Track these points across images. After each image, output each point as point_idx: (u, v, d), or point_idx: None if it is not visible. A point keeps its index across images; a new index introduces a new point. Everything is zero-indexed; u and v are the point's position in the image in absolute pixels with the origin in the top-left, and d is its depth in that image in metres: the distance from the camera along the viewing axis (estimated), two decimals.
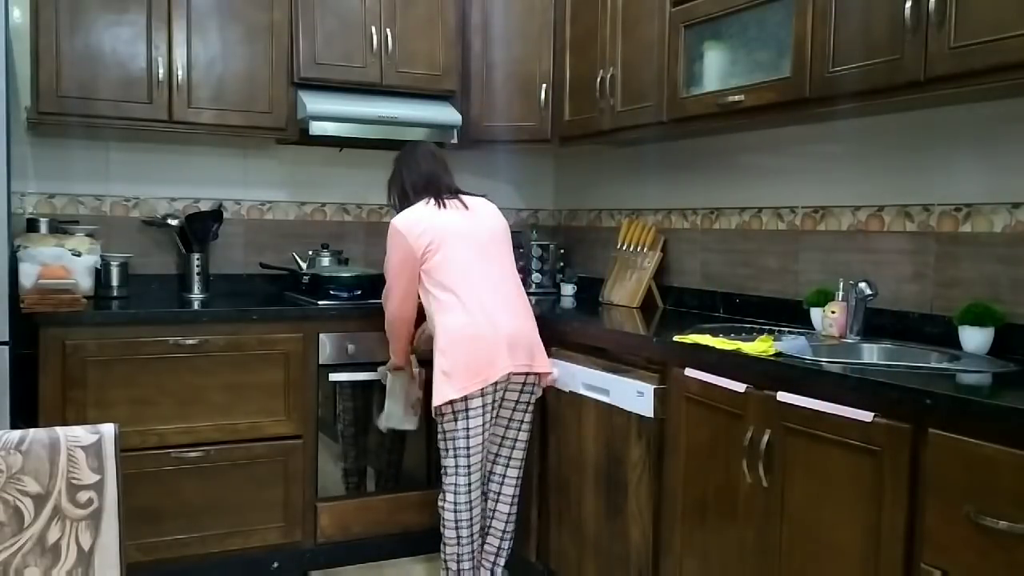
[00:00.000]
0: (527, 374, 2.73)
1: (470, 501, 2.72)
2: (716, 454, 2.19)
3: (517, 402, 2.77)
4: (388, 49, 3.42)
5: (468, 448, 2.67)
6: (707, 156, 3.23)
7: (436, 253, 2.70)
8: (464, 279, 2.69)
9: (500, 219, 2.89)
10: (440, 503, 2.76)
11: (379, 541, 3.28)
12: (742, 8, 2.58)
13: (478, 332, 2.63)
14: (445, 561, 2.79)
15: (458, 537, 2.74)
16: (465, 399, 2.61)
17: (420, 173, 2.88)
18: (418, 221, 2.75)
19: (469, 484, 2.71)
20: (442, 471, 2.76)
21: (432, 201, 2.81)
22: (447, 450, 2.71)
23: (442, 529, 2.76)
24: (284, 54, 3.30)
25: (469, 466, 2.69)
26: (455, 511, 2.72)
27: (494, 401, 2.70)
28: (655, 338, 2.50)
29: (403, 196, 2.90)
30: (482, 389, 2.62)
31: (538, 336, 2.78)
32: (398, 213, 2.84)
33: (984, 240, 2.27)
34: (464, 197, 2.86)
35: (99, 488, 1.49)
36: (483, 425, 2.67)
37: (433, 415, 2.69)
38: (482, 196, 2.94)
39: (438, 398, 2.61)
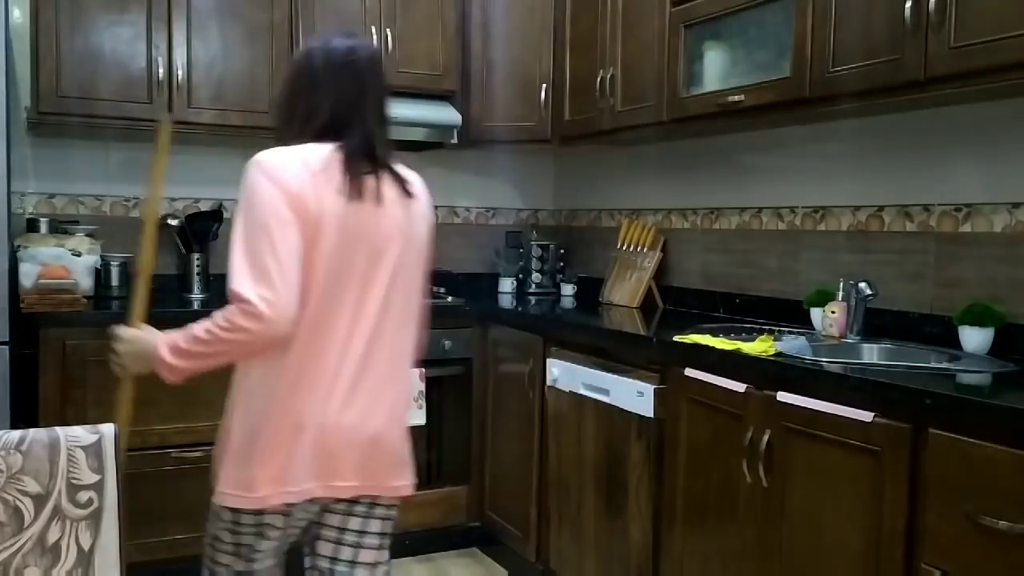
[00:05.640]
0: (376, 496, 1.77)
1: None
2: (716, 454, 2.19)
3: (362, 533, 1.78)
4: (388, 49, 3.42)
5: None
6: (707, 156, 3.23)
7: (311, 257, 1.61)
8: (335, 320, 1.64)
9: (429, 220, 1.81)
10: None
11: None
12: (742, 8, 2.58)
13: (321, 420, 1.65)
14: None
15: None
16: (262, 514, 1.65)
17: (345, 99, 1.70)
18: (305, 176, 1.60)
19: None
20: None
21: (343, 157, 1.65)
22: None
23: None
24: (284, 54, 3.30)
25: None
26: None
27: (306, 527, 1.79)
28: (655, 338, 2.50)
29: (292, 125, 1.73)
30: (291, 504, 1.66)
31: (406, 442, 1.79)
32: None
33: (984, 240, 2.27)
34: (400, 170, 1.74)
35: (99, 488, 1.49)
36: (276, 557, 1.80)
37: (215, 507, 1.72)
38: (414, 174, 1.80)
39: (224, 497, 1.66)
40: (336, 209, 1.61)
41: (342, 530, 1.76)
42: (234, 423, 1.67)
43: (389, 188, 1.70)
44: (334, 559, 1.77)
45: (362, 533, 1.77)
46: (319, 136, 1.68)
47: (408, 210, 1.73)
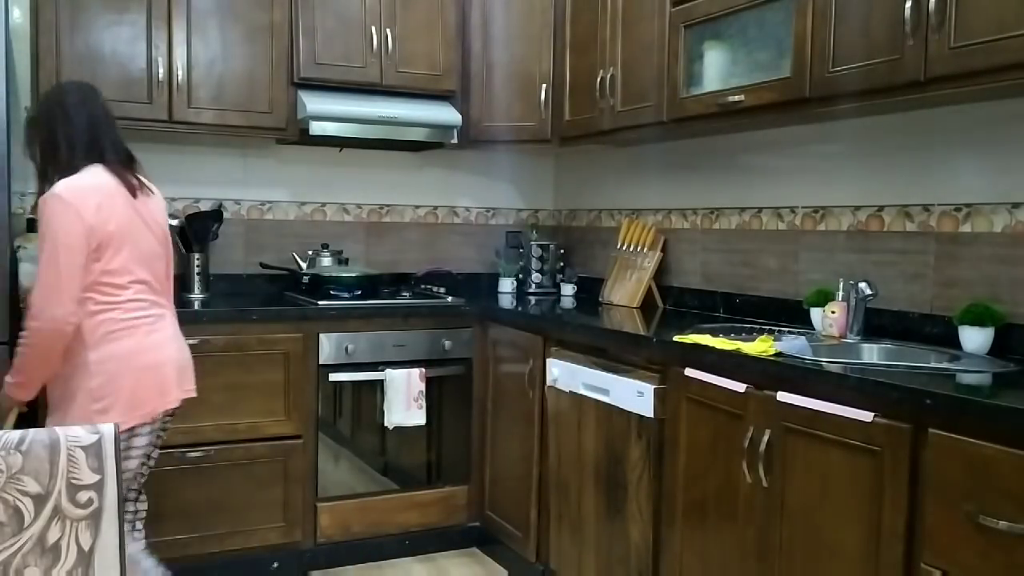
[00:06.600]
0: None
1: None
2: (716, 454, 2.19)
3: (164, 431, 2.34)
4: (388, 49, 3.42)
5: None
6: (707, 156, 3.23)
7: (118, 251, 2.14)
8: (144, 289, 2.22)
9: (164, 208, 2.39)
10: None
11: (379, 541, 3.28)
12: (742, 8, 2.58)
13: (154, 358, 2.20)
14: None
15: None
16: (131, 432, 2.15)
17: (81, 124, 2.20)
18: (95, 192, 2.12)
19: None
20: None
21: (106, 170, 2.18)
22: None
23: None
24: (284, 54, 3.30)
25: None
26: None
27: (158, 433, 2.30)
28: (655, 338, 2.50)
29: (56, 156, 2.18)
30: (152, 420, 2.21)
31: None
32: (51, 180, 2.15)
33: (984, 240, 2.27)
34: (138, 171, 2.29)
35: (99, 488, 1.49)
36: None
37: None
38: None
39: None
40: (125, 211, 2.16)
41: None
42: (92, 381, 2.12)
43: (143, 185, 2.27)
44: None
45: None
46: (87, 158, 2.16)
47: (154, 201, 2.32)
